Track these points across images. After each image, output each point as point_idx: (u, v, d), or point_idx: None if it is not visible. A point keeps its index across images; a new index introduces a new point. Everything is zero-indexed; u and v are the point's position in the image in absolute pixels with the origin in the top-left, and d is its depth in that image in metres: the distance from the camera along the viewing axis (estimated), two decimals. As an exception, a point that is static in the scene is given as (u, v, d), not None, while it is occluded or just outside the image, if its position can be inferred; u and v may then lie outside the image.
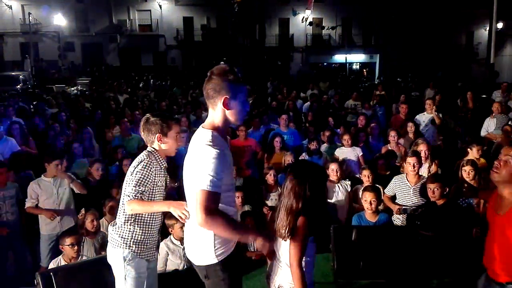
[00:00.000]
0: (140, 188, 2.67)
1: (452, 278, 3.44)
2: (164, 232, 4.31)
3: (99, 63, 29.40)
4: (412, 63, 33.18)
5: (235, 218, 2.46)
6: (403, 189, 4.65)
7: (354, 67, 34.88)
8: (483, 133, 7.61)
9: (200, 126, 2.36)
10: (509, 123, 7.40)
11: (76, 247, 3.75)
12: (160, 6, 31.79)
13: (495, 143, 6.97)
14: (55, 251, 4.48)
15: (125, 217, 2.75)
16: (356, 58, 34.72)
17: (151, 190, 2.74)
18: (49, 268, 3.72)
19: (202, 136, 2.26)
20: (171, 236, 4.12)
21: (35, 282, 3.11)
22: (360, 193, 4.69)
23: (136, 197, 2.65)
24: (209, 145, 2.17)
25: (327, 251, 4.00)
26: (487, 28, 31.07)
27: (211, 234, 2.29)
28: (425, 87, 13.95)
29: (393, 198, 4.76)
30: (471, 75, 32.66)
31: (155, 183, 2.75)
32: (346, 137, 6.40)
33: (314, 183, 2.35)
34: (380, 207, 4.52)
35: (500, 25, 25.25)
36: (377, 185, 4.74)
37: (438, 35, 33.67)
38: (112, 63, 29.97)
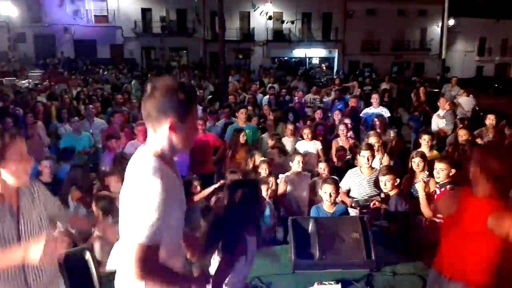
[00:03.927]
0: None
1: (404, 266, 3.57)
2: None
3: (52, 55, 28.21)
4: (369, 58, 34.10)
5: (183, 268, 2.09)
6: (358, 181, 4.78)
7: (314, 61, 35.36)
8: (434, 129, 7.83)
9: (140, 149, 1.93)
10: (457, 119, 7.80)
11: None
12: (117, -3, 30.87)
13: (449, 137, 7.18)
14: None
15: None
16: (316, 53, 35.21)
17: None
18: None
19: (142, 163, 1.83)
20: None
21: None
22: (319, 185, 4.77)
23: None
24: (150, 176, 1.75)
25: (285, 242, 4.05)
26: (440, 25, 32.48)
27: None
28: (381, 82, 14.37)
29: (348, 192, 4.88)
30: (424, 70, 33.97)
31: None
32: (306, 130, 6.49)
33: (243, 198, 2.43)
34: (338, 199, 4.64)
35: (451, 22, 26.31)
36: (335, 177, 4.86)
37: (394, 31, 34.74)
38: (67, 55, 28.81)
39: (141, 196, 1.73)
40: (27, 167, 2.07)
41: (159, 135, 1.86)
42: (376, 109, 7.77)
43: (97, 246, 3.60)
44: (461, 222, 2.39)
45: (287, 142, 6.69)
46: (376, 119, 6.96)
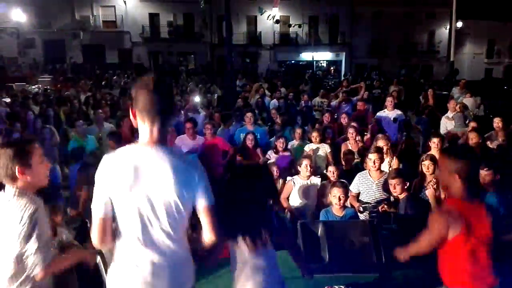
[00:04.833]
0: (43, 246, 2.08)
1: (415, 270, 3.54)
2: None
3: (61, 60, 28.50)
4: (377, 61, 33.96)
5: None
6: (367, 185, 4.75)
7: (321, 65, 35.34)
8: (442, 131, 7.78)
9: (150, 144, 2.01)
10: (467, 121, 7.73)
11: None
12: (125, 2, 31.08)
13: (460, 141, 7.09)
14: None
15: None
16: (323, 56, 35.19)
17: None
18: None
19: (169, 152, 2.02)
20: None
21: None
22: (329, 189, 4.76)
23: (46, 261, 2.07)
24: (191, 157, 2.17)
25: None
26: (448, 27, 32.32)
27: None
28: (389, 85, 14.32)
29: (358, 196, 4.85)
30: (433, 72, 33.77)
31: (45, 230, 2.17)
32: (315, 134, 6.48)
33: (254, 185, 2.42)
34: (347, 203, 4.61)
35: (459, 24, 26.17)
36: (344, 181, 4.83)
37: (402, 33, 34.59)
38: (75, 60, 29.10)
39: (196, 173, 2.04)
40: (47, 170, 2.29)
41: (157, 126, 2.02)
42: (390, 112, 7.73)
43: None
44: (477, 231, 2.36)
45: (295, 145, 6.67)
46: (374, 123, 6.96)
